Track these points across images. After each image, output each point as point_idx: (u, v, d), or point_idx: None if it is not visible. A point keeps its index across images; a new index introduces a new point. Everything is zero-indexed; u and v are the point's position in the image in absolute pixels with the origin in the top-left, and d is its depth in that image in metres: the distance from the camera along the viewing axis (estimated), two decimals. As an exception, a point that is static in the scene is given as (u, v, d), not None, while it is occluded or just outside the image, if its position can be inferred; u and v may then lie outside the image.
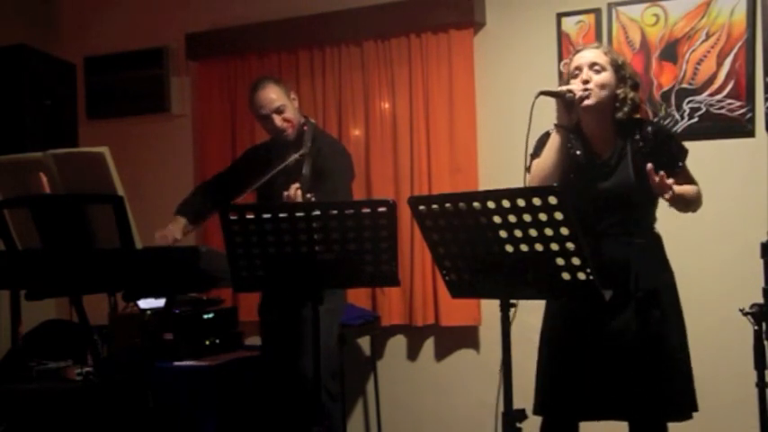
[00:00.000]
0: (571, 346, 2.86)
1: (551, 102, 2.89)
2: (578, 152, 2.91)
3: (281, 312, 3.73)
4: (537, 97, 2.77)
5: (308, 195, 3.30)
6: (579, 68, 2.88)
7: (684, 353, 2.88)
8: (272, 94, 3.67)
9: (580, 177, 2.89)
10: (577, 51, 2.96)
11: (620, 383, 2.79)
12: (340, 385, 4.33)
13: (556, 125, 2.88)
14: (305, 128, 3.68)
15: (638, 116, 2.96)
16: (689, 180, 2.91)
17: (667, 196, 2.71)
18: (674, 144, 2.91)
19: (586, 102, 2.84)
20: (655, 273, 2.85)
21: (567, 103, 2.84)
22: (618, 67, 2.88)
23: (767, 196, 3.82)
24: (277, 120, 3.66)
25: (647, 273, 2.82)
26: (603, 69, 2.86)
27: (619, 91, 2.87)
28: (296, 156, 3.52)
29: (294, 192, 3.33)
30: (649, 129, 2.89)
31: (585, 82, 2.84)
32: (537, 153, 2.96)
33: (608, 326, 2.80)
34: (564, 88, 2.85)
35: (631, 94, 2.87)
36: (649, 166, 2.69)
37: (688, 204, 2.87)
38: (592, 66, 2.86)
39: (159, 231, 3.69)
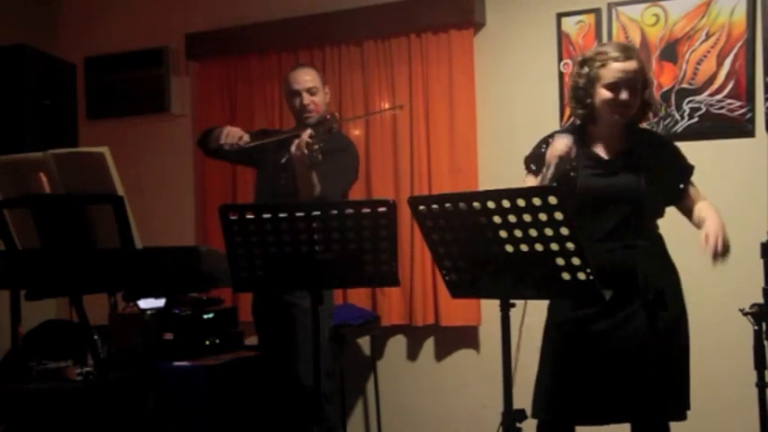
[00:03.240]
0: (575, 350, 2.85)
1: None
2: (576, 161, 2.89)
3: (272, 312, 3.73)
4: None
5: (316, 147, 3.29)
6: (616, 84, 2.78)
7: (686, 352, 2.88)
8: (308, 76, 3.76)
9: (584, 178, 2.86)
10: (611, 58, 2.80)
11: (626, 385, 2.78)
12: (340, 385, 4.34)
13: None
14: (327, 117, 3.71)
15: (644, 126, 2.96)
16: (698, 196, 2.91)
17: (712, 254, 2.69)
18: (680, 164, 2.91)
19: (621, 120, 2.83)
20: (660, 274, 2.85)
21: (561, 176, 2.76)
22: (644, 75, 2.85)
23: (767, 196, 3.82)
24: (306, 98, 3.73)
25: (653, 274, 2.82)
26: (637, 90, 2.80)
27: (644, 97, 2.87)
28: (310, 131, 3.55)
29: (306, 135, 3.33)
30: (654, 140, 2.90)
31: (624, 105, 2.79)
32: (531, 166, 2.95)
33: (616, 328, 2.79)
34: (553, 169, 2.74)
35: (650, 98, 2.90)
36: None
37: None
38: (631, 85, 2.79)
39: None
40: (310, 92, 3.73)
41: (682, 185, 2.88)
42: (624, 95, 2.78)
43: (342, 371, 4.38)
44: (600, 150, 2.90)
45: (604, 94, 2.80)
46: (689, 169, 2.93)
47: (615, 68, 2.80)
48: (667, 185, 2.87)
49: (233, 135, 3.61)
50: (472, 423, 4.47)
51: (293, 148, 3.37)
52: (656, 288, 2.81)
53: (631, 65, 2.80)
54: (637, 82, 2.80)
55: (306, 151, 3.29)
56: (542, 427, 2.93)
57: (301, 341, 3.53)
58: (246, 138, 3.62)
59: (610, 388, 2.80)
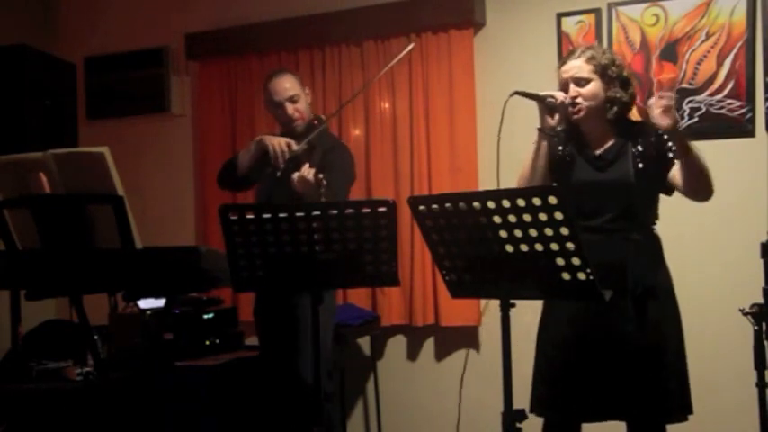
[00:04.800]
0: (568, 347, 2.86)
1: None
2: (567, 149, 2.93)
3: (276, 312, 3.73)
4: (511, 96, 2.83)
5: (320, 176, 3.29)
6: (566, 84, 2.90)
7: (681, 354, 2.87)
8: (287, 84, 3.72)
9: (576, 173, 2.90)
10: (563, 62, 2.97)
11: (616, 384, 2.79)
12: (339, 385, 4.35)
13: (538, 129, 2.92)
14: (315, 123, 3.71)
15: (639, 119, 2.97)
16: None
17: (666, 121, 2.63)
18: (668, 142, 2.88)
19: (577, 116, 2.88)
20: (651, 271, 2.84)
21: (548, 108, 2.87)
22: (603, 71, 2.88)
23: (767, 196, 3.82)
24: (289, 108, 3.70)
25: (644, 271, 2.81)
26: (588, 81, 2.87)
27: (608, 93, 2.88)
28: (304, 144, 3.54)
29: (307, 171, 3.32)
30: (649, 131, 2.88)
31: (574, 98, 2.86)
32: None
33: (604, 325, 2.80)
34: (545, 93, 2.87)
35: (619, 94, 2.88)
36: (651, 99, 2.67)
37: (701, 171, 2.74)
38: (576, 82, 2.88)
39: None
40: (292, 100, 3.70)
41: (671, 154, 2.82)
42: (572, 92, 2.87)
43: (342, 371, 4.38)
44: (590, 147, 2.93)
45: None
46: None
47: (561, 72, 2.93)
48: (657, 168, 2.85)
49: (279, 148, 3.51)
50: (472, 423, 4.47)
51: (297, 185, 3.33)
52: (645, 285, 2.80)
53: (573, 63, 2.90)
54: (584, 77, 2.86)
55: (314, 184, 3.27)
56: (547, 425, 2.93)
57: (305, 340, 3.53)
58: (294, 145, 3.53)
59: (600, 385, 2.80)
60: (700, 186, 2.78)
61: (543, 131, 2.91)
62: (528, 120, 2.97)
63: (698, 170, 2.74)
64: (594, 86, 2.87)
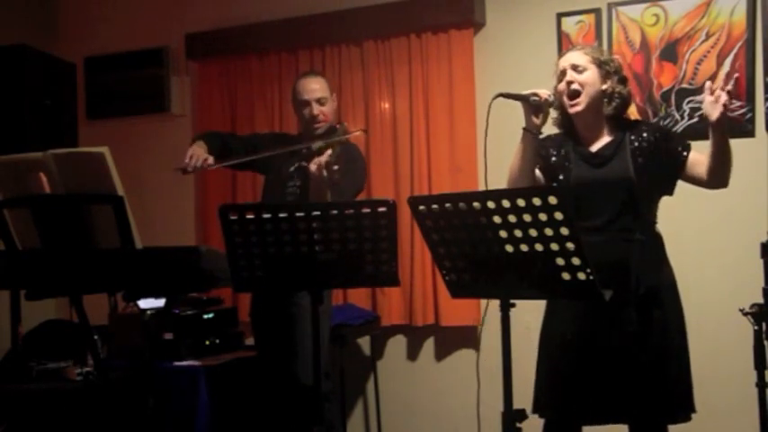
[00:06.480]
0: (571, 348, 2.86)
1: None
2: (563, 151, 2.93)
3: (271, 313, 3.73)
4: (494, 99, 2.82)
5: (335, 168, 3.30)
6: (563, 72, 2.92)
7: (684, 353, 2.88)
8: (316, 85, 3.75)
9: (573, 172, 2.90)
10: (561, 55, 3.00)
11: (620, 385, 2.79)
12: (339, 385, 4.34)
13: (523, 129, 2.92)
14: (336, 126, 3.72)
15: (636, 118, 2.97)
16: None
17: (716, 114, 2.65)
18: (672, 140, 2.90)
19: (576, 108, 2.88)
20: (655, 271, 2.85)
21: (533, 107, 2.88)
22: (601, 64, 2.90)
23: (767, 196, 3.82)
24: (315, 108, 3.71)
25: (647, 270, 2.81)
26: (585, 69, 2.89)
27: (605, 86, 2.90)
28: (321, 143, 3.54)
29: (325, 157, 3.30)
30: (646, 128, 2.91)
31: (570, 83, 2.88)
32: None
33: (609, 326, 2.80)
34: (529, 91, 2.88)
35: (619, 88, 2.90)
36: (708, 83, 2.69)
37: (726, 159, 2.76)
38: (574, 68, 2.90)
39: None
40: (320, 102, 3.72)
41: (685, 154, 2.85)
42: (568, 76, 2.89)
43: (342, 371, 4.38)
44: (588, 145, 2.93)
45: (557, 86, 2.93)
46: (685, 143, 2.90)
47: (559, 63, 2.96)
48: (663, 167, 2.86)
49: (196, 158, 3.57)
50: (472, 423, 4.47)
51: (313, 168, 3.34)
52: (649, 285, 2.80)
53: (572, 53, 2.94)
54: (582, 64, 2.89)
55: (326, 173, 3.27)
56: (548, 426, 2.93)
57: (301, 341, 3.54)
58: (210, 161, 3.58)
59: (604, 386, 2.80)
60: (724, 170, 2.79)
61: (529, 131, 2.92)
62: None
63: (726, 155, 2.76)
64: (592, 75, 2.89)
